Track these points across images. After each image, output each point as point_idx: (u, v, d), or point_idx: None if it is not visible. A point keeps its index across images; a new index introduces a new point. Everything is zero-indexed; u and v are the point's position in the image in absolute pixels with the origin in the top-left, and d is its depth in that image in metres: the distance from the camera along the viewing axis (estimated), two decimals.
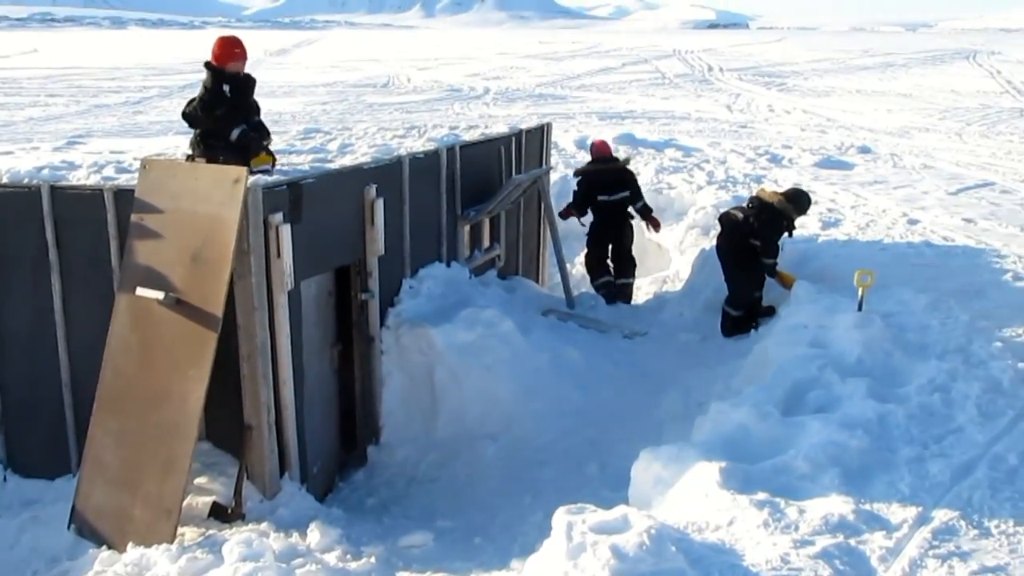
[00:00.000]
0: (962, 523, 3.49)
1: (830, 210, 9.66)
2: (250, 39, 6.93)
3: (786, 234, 7.28)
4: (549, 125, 9.03)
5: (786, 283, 7.17)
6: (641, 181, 11.26)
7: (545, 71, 32.95)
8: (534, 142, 8.67)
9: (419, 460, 6.09)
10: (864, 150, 14.45)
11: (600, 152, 8.78)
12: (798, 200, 7.35)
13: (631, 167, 8.94)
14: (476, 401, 6.22)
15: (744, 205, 7.48)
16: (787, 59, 41.59)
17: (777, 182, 11.16)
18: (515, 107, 20.97)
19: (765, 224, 7.10)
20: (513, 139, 8.18)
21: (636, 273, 8.89)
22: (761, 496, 3.66)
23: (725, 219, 7.42)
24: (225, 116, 5.13)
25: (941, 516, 3.54)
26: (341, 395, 6.16)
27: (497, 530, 5.25)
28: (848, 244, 8.15)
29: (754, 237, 7.09)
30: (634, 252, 8.84)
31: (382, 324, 6.25)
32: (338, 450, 6.15)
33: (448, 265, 7.15)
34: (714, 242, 7.68)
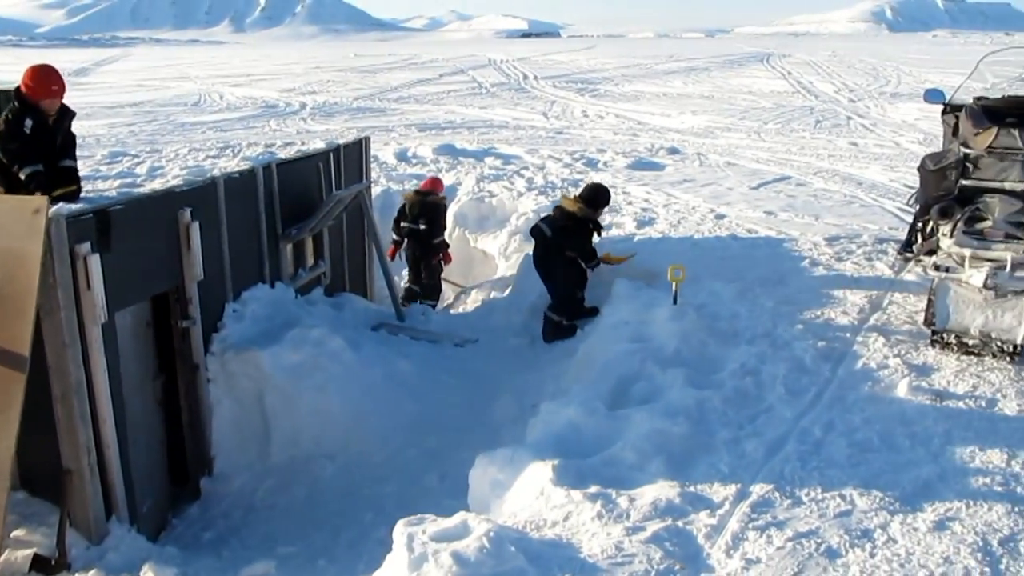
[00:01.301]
0: (777, 495, 3.74)
1: (644, 209, 10.06)
2: (45, 59, 6.52)
3: (596, 236, 7.52)
4: (367, 139, 8.99)
5: (617, 261, 7.46)
6: (463, 190, 11.48)
7: (362, 84, 32.72)
8: (353, 156, 8.62)
9: (255, 487, 5.93)
10: (673, 151, 15.15)
11: (424, 185, 9.70)
12: (596, 199, 7.54)
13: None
14: (311, 422, 6.12)
15: (551, 214, 7.65)
16: (598, 66, 43.07)
17: None
18: (334, 122, 20.69)
19: (573, 234, 7.32)
20: (331, 154, 8.09)
21: (440, 298, 9.75)
22: (594, 489, 3.79)
23: (536, 233, 7.57)
24: (17, 152, 4.83)
25: (758, 491, 3.77)
26: (168, 428, 5.91)
27: (341, 550, 5.19)
28: (662, 241, 8.52)
29: (567, 249, 7.30)
30: (460, 258, 9.11)
31: (206, 351, 6.04)
32: (169, 485, 5.90)
33: (272, 286, 6.99)
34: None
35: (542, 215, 9.50)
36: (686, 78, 35.13)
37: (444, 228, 9.64)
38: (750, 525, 3.51)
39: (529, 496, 3.87)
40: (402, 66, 45.04)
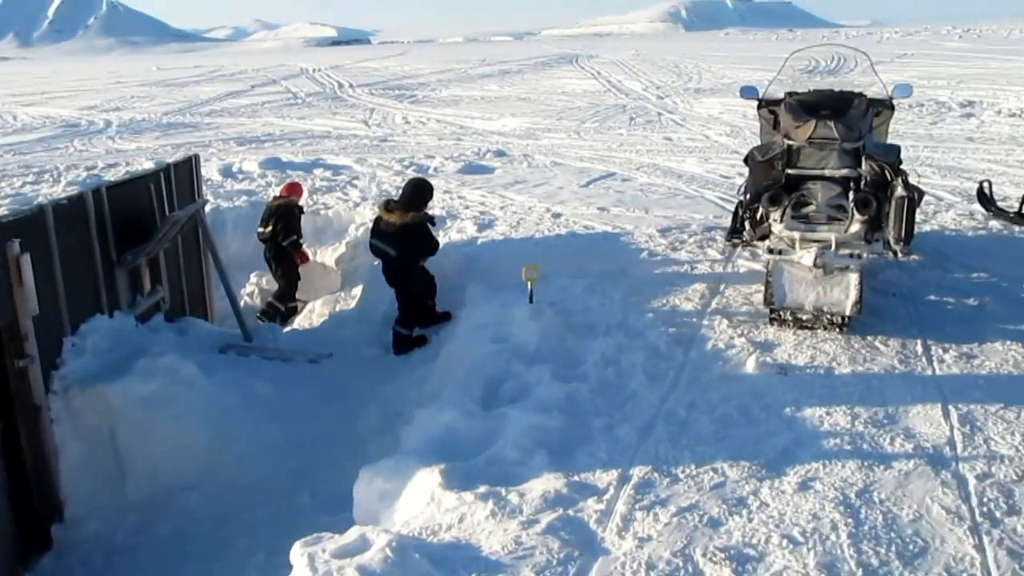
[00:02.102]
0: (656, 475, 3.96)
1: (482, 213, 10.21)
2: None
3: (432, 227, 7.54)
4: (197, 156, 8.69)
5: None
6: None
7: (170, 98, 31.33)
8: (184, 175, 8.32)
9: (114, 529, 5.64)
10: (500, 153, 15.42)
11: (281, 191, 10.07)
12: (419, 198, 7.51)
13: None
14: (169, 454, 5.87)
15: (379, 227, 7.47)
16: (412, 72, 43.08)
17: None
18: (144, 139, 19.74)
19: (412, 240, 7.30)
20: (162, 174, 7.78)
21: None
22: (483, 489, 3.88)
23: (378, 253, 7.49)
24: None
25: (638, 473, 3.98)
26: (11, 476, 5.52)
27: None
28: (506, 243, 8.70)
29: (417, 259, 7.34)
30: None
31: (48, 390, 5.69)
32: (15, 537, 5.51)
33: (111, 316, 6.66)
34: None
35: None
36: (501, 81, 35.72)
37: (295, 230, 9.69)
38: (636, 506, 3.71)
39: (420, 503, 3.91)
40: (210, 78, 43.41)
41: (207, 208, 10.40)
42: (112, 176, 7.28)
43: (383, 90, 32.12)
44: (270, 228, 9.51)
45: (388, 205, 7.45)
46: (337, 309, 9.14)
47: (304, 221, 10.67)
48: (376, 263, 7.74)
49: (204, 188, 9.43)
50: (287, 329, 8.83)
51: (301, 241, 9.86)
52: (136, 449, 5.85)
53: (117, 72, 55.73)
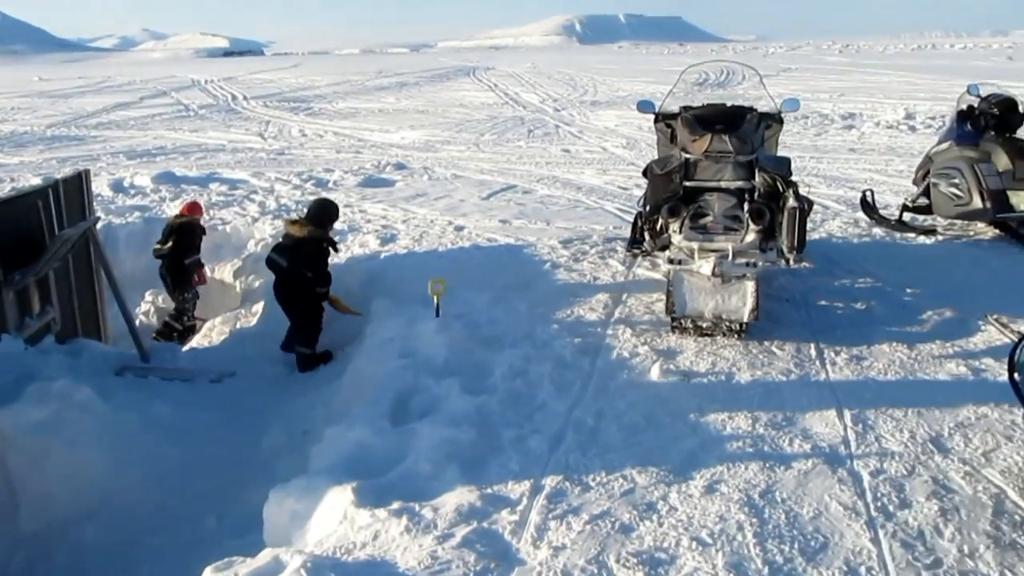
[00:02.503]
0: (567, 484, 4.02)
1: (384, 227, 10.17)
2: None
3: (333, 252, 7.57)
4: (87, 172, 8.38)
5: (341, 309, 7.54)
6: None
7: (54, 110, 30.13)
8: (74, 192, 8.01)
9: (7, 563, 5.36)
10: (400, 166, 15.37)
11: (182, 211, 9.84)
12: (324, 217, 7.57)
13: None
14: (64, 482, 5.63)
15: (281, 242, 7.57)
16: (308, 84, 42.53)
17: None
18: (27, 153, 18.94)
19: (310, 258, 7.30)
20: (50, 191, 7.49)
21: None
22: (396, 505, 3.87)
23: (272, 265, 7.49)
24: None
25: (550, 483, 4.03)
26: None
27: None
28: (409, 256, 8.69)
29: (306, 269, 7.29)
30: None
31: None
32: None
33: None
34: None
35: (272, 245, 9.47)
36: (399, 93, 35.62)
37: (197, 249, 9.53)
38: (550, 515, 3.76)
39: (333, 522, 3.87)
40: (96, 89, 41.96)
41: (98, 225, 10.08)
42: None
43: (279, 102, 31.62)
44: (170, 244, 9.30)
45: (293, 220, 7.44)
46: (238, 326, 8.94)
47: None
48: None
49: (95, 204, 9.12)
50: (186, 348, 8.61)
51: (202, 261, 9.66)
52: (29, 478, 5.59)
53: None
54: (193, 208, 9.91)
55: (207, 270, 9.87)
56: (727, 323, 5.66)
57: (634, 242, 7.58)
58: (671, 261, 5.70)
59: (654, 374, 5.25)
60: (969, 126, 8.64)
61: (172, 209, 11.68)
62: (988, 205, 8.18)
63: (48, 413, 5.76)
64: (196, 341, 9.24)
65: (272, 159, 17.08)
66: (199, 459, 6.19)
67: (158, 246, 9.41)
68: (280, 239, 7.67)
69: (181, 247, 9.33)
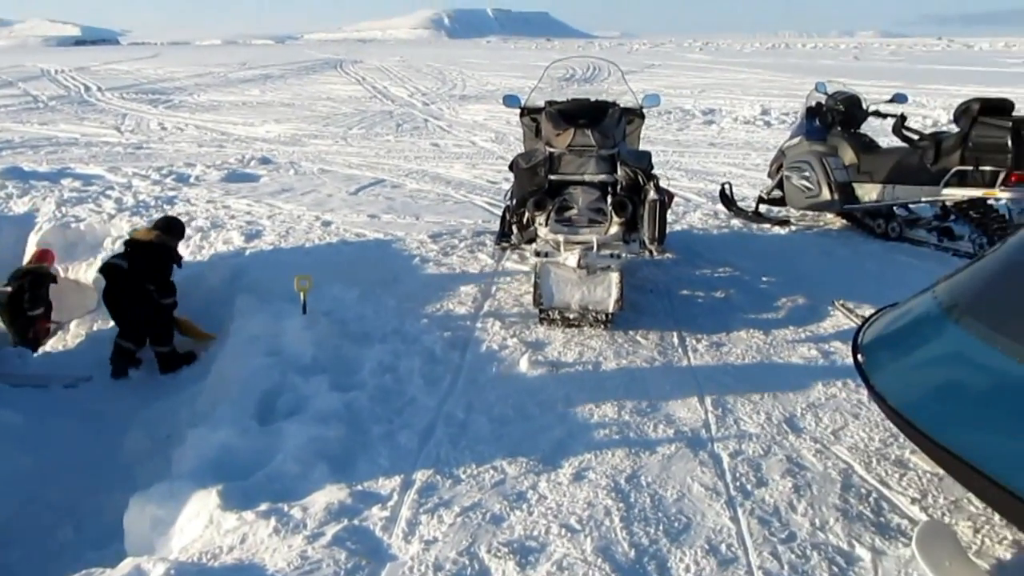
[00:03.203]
0: (438, 478, 4.03)
1: (249, 223, 9.90)
2: None
3: (176, 266, 7.42)
4: None
5: (193, 334, 7.36)
6: (42, 217, 10.50)
7: None
8: None
9: None
10: (265, 160, 14.98)
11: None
12: (171, 228, 7.56)
13: None
14: None
15: (122, 251, 7.45)
16: (167, 75, 40.93)
17: (190, 200, 11.16)
18: None
19: (153, 264, 7.19)
20: None
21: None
22: (264, 507, 3.79)
23: (109, 269, 7.30)
24: None
25: (420, 477, 4.03)
26: None
27: None
28: (276, 252, 8.49)
29: (146, 280, 7.09)
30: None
31: None
32: None
33: None
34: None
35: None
36: (263, 86, 34.70)
37: (44, 300, 8.88)
38: (420, 510, 3.76)
39: (198, 527, 3.77)
40: None
41: None
42: None
43: (136, 94, 30.33)
44: (10, 291, 8.66)
45: (137, 229, 7.34)
46: (94, 329, 8.55)
47: (52, 236, 9.96)
48: None
49: None
50: (38, 353, 8.18)
51: (47, 317, 9.05)
52: None
53: None
54: (44, 256, 9.23)
55: (50, 320, 9.27)
56: (593, 314, 5.78)
57: (502, 235, 7.65)
58: (538, 254, 5.78)
59: (523, 366, 5.31)
60: (817, 122, 9.10)
61: (19, 207, 11.09)
62: (836, 197, 8.65)
63: None
64: (49, 345, 8.79)
65: (130, 153, 16.37)
66: (54, 468, 5.92)
67: (4, 288, 8.75)
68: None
69: (29, 300, 8.67)
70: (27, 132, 20.01)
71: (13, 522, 5.39)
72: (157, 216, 10.16)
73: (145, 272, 7.10)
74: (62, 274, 9.46)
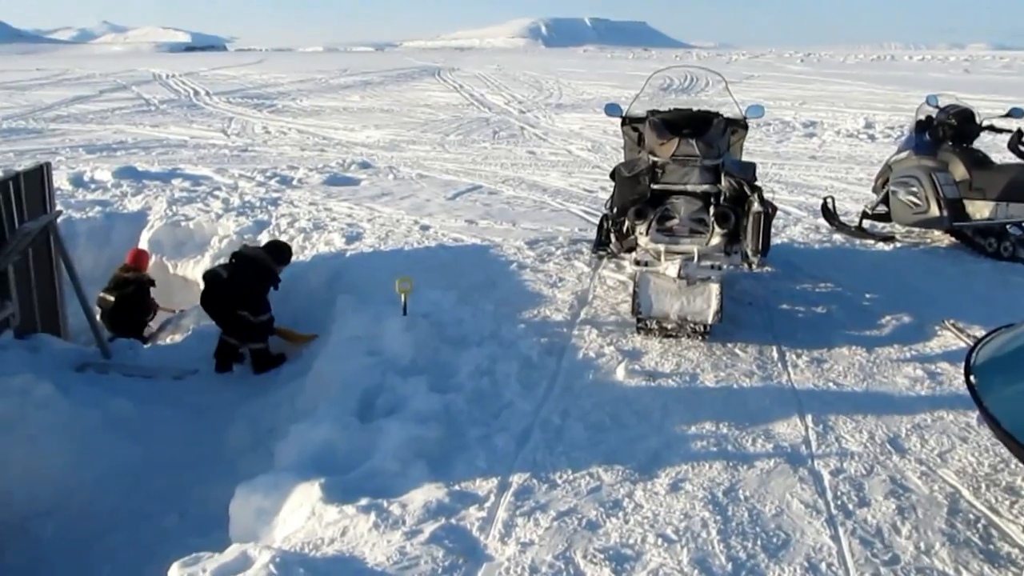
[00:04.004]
0: (534, 481, 4.06)
1: (350, 225, 10.13)
2: None
3: (272, 288, 7.60)
4: (48, 165, 8.25)
5: (294, 339, 7.54)
6: (154, 215, 10.94)
7: (10, 103, 29.58)
8: (34, 185, 7.89)
9: None
10: (364, 165, 15.31)
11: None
12: (278, 252, 7.78)
13: None
14: (22, 479, 5.57)
15: (227, 261, 7.71)
16: (271, 81, 42.22)
17: (293, 202, 11.46)
18: None
19: (251, 279, 7.39)
20: (10, 183, 7.37)
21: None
22: (364, 501, 3.88)
23: (211, 276, 7.58)
24: None
25: (517, 480, 4.07)
26: None
27: None
28: (375, 255, 8.67)
29: (242, 295, 7.34)
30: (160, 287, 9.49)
31: None
32: None
33: None
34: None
35: (246, 237, 9.47)
36: (363, 92, 35.46)
37: (151, 307, 9.43)
38: (517, 512, 3.79)
39: (300, 518, 3.88)
40: (54, 82, 41.29)
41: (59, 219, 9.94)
42: None
43: (241, 98, 31.35)
44: (114, 300, 9.13)
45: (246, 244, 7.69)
46: (200, 324, 8.86)
47: (162, 234, 10.39)
48: None
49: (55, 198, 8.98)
50: (148, 345, 8.53)
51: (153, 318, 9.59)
52: None
53: None
54: (139, 258, 9.64)
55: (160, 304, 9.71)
56: (691, 324, 5.73)
57: (599, 244, 7.65)
58: (637, 263, 5.76)
59: (619, 374, 5.30)
60: (927, 136, 8.83)
61: (132, 205, 11.59)
62: (945, 213, 8.37)
63: (7, 409, 5.71)
64: (158, 338, 9.15)
65: (235, 155, 16.94)
66: (160, 456, 6.14)
67: (106, 296, 9.22)
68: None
69: (129, 301, 9.17)
70: (139, 134, 20.88)
71: (121, 508, 5.63)
72: (261, 216, 10.54)
73: (241, 286, 7.34)
74: (170, 270, 9.85)
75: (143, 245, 10.13)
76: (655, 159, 6.16)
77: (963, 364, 3.91)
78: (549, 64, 63.63)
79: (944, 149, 8.62)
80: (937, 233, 8.97)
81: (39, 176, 8.09)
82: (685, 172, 6.06)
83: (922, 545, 3.58)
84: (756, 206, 5.66)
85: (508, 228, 9.67)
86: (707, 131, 6.29)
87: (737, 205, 5.88)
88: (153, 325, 9.55)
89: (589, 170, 14.50)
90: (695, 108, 6.89)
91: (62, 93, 33.71)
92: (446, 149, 17.95)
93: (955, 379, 5.24)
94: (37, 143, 19.09)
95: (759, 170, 6.26)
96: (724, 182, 6.01)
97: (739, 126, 6.97)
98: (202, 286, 7.65)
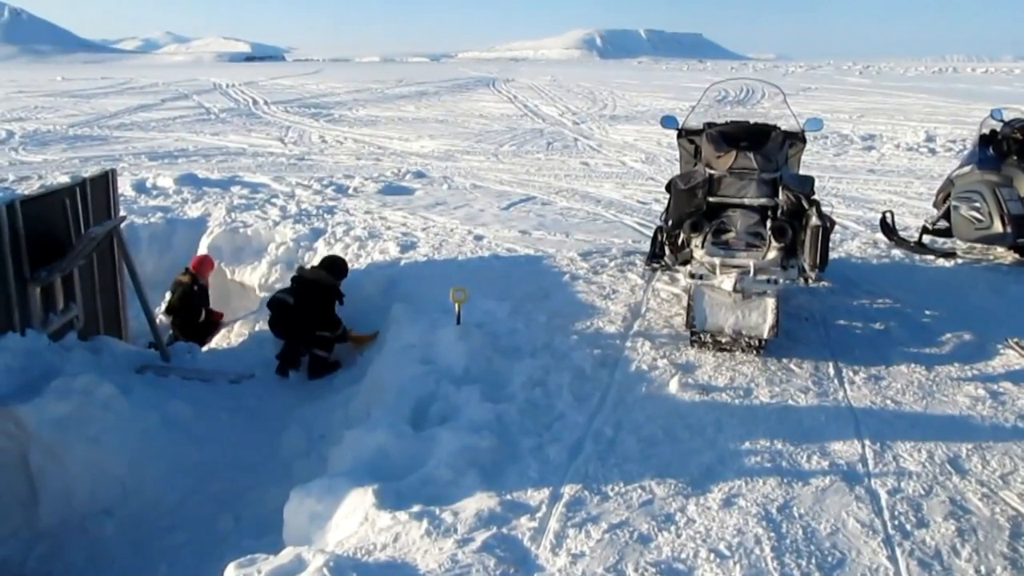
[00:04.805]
0: (586, 493, 4.05)
1: (404, 234, 10.23)
2: None
3: (338, 302, 7.71)
4: (113, 171, 8.48)
5: (360, 341, 7.64)
6: (214, 221, 11.14)
7: (76, 110, 30.41)
8: (100, 191, 8.11)
9: (25, 556, 5.45)
10: (419, 175, 15.44)
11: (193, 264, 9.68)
12: (336, 269, 7.90)
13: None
14: (84, 478, 5.71)
15: (290, 286, 7.82)
16: (328, 90, 42.79)
17: (348, 211, 11.60)
18: (50, 151, 19.14)
19: (317, 303, 7.54)
20: (77, 189, 7.59)
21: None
22: (417, 508, 3.91)
23: (276, 303, 7.72)
24: None
25: (569, 491, 4.07)
26: None
27: None
28: (429, 264, 8.74)
29: (312, 316, 7.47)
30: (218, 293, 9.84)
31: None
32: None
33: (23, 334, 6.47)
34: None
35: (302, 244, 9.62)
36: (418, 102, 35.77)
37: (201, 310, 9.54)
38: (568, 523, 3.79)
39: (353, 523, 3.92)
40: (119, 91, 42.33)
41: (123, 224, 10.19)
42: (25, 190, 7.07)
43: (299, 108, 31.83)
44: (175, 308, 9.34)
45: (302, 267, 8.00)
46: (257, 329, 9.02)
47: (221, 239, 10.57)
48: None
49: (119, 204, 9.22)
50: (206, 349, 8.69)
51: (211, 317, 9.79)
52: (49, 473, 5.67)
53: (19, 81, 53.86)
54: (203, 263, 9.80)
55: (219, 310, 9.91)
56: (746, 339, 5.68)
57: (653, 256, 7.62)
58: (692, 276, 5.72)
59: (673, 387, 5.28)
60: (991, 150, 8.64)
61: (193, 211, 11.83)
62: (1008, 230, 8.17)
63: (70, 408, 5.84)
64: (215, 342, 9.33)
65: (292, 164, 17.19)
66: (217, 459, 6.26)
67: (167, 307, 9.44)
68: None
69: (190, 309, 9.35)
70: (200, 142, 21.31)
71: (179, 509, 5.75)
72: (318, 224, 10.68)
73: (314, 311, 7.50)
74: (228, 276, 10.03)
75: (203, 251, 10.33)
76: (712, 171, 6.13)
77: None
78: (603, 75, 63.57)
79: (1009, 164, 8.43)
80: (1000, 250, 8.77)
81: (104, 182, 8.32)
82: (742, 185, 6.01)
83: (983, 569, 3.51)
84: (814, 220, 5.59)
85: (561, 239, 9.68)
86: (765, 144, 6.24)
87: (794, 219, 5.82)
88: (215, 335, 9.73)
89: (643, 182, 14.45)
90: (752, 121, 6.83)
91: (126, 101, 34.55)
92: (500, 160, 18.01)
93: (1018, 399, 5.12)
94: (101, 150, 19.59)
95: (815, 184, 6.18)
96: (782, 195, 5.96)
97: (797, 139, 6.90)
98: (268, 313, 7.81)
